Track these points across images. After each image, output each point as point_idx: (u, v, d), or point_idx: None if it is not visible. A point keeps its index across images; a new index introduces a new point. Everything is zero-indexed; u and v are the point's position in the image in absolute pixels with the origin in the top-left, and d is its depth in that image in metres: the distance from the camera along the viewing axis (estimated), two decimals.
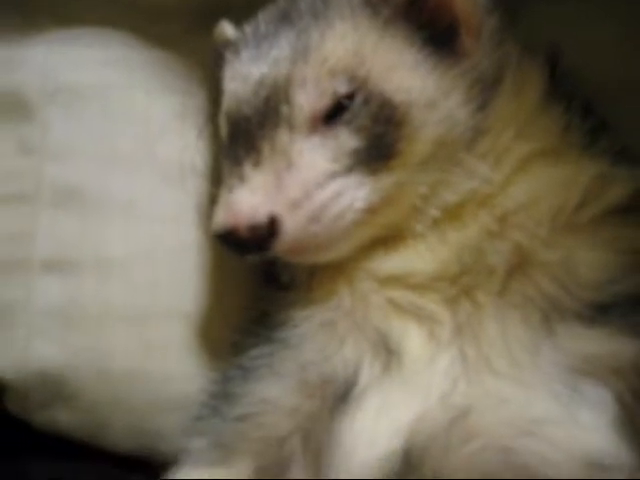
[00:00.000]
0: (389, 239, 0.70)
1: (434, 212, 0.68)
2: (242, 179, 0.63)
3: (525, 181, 0.69)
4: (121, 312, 0.80)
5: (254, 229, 0.61)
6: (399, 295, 0.68)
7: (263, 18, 0.74)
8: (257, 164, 0.63)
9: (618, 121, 0.79)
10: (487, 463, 0.59)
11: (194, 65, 0.87)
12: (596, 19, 0.83)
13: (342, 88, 0.64)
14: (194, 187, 0.82)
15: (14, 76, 0.85)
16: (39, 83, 0.85)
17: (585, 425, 0.61)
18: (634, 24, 0.83)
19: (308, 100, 0.64)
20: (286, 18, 0.71)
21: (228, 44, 0.77)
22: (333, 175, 0.63)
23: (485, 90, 0.70)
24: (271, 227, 0.61)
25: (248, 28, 0.74)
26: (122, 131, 0.85)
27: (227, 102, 0.71)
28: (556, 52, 0.77)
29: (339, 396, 0.65)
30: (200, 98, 0.85)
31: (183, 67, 0.87)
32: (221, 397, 0.69)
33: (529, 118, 0.72)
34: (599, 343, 0.64)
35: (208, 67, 0.83)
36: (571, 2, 0.83)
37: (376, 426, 0.63)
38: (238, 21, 0.79)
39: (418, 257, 0.69)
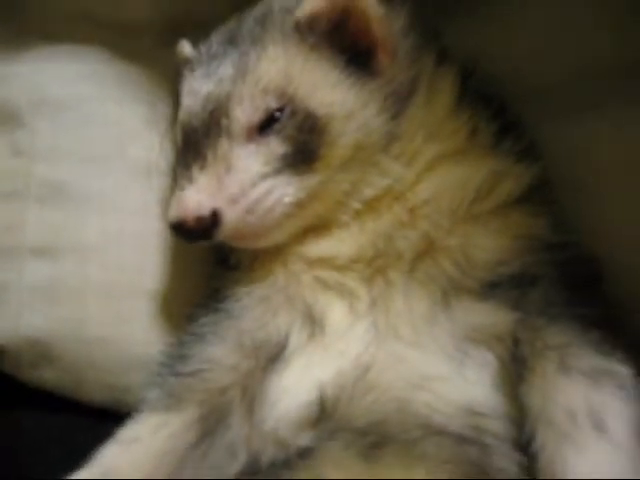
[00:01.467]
0: (317, 227, 0.79)
1: (355, 205, 0.77)
2: (190, 180, 0.73)
3: (432, 179, 0.78)
4: (96, 289, 0.89)
5: (200, 220, 0.71)
6: (325, 274, 0.78)
7: (215, 39, 0.82)
8: (203, 168, 0.73)
9: (529, 121, 0.88)
10: (383, 411, 0.68)
11: (160, 77, 0.95)
12: (514, 30, 0.90)
13: (273, 104, 0.73)
14: (158, 184, 0.90)
15: (6, 89, 0.94)
16: (27, 95, 0.94)
17: (470, 381, 0.70)
18: (548, 34, 0.90)
19: (244, 114, 0.73)
20: (232, 41, 0.79)
21: (186, 61, 0.85)
22: (265, 176, 0.73)
23: (399, 101, 0.78)
24: (214, 219, 0.71)
25: (202, 48, 0.83)
26: (98, 136, 0.93)
27: (181, 114, 0.79)
28: (472, 63, 0.85)
29: (271, 357, 0.75)
30: (165, 107, 0.93)
31: (150, 79, 0.96)
32: (175, 357, 0.78)
33: (439, 123, 0.80)
34: (486, 315, 0.73)
35: (172, 80, 0.91)
36: (493, 17, 0.90)
37: (299, 381, 0.73)
38: (202, 35, 0.86)
39: (341, 243, 0.78)
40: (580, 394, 0.63)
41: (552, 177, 0.85)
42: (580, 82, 0.89)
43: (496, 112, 0.84)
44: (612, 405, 0.62)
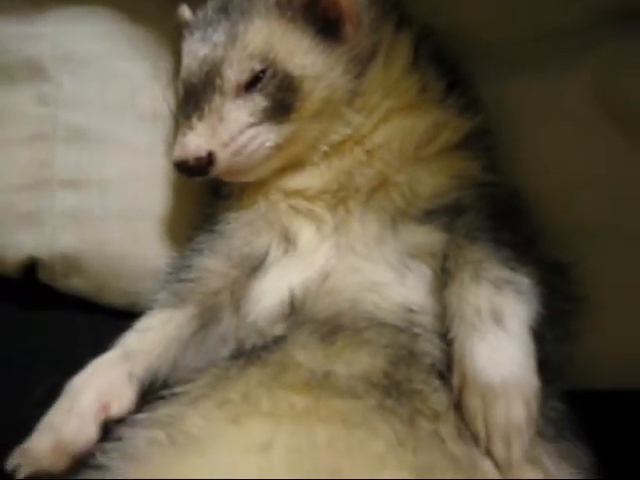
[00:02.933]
0: (293, 166, 0.92)
1: (323, 148, 0.90)
2: (190, 128, 0.85)
3: (386, 128, 0.90)
4: (115, 215, 1.00)
5: (198, 160, 0.84)
6: (298, 203, 0.91)
7: (210, 6, 0.93)
8: (200, 118, 0.85)
9: (476, 79, 0.99)
10: (339, 308, 0.81)
11: (163, 37, 1.04)
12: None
13: (257, 66, 0.85)
14: (162, 127, 1.02)
15: (32, 47, 1.03)
16: (51, 52, 1.03)
17: (408, 287, 0.83)
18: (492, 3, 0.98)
19: (234, 75, 0.85)
20: (224, 10, 0.90)
21: (186, 24, 0.96)
22: (250, 125, 0.85)
23: (362, 63, 0.90)
24: (209, 159, 0.84)
25: (199, 13, 0.94)
26: (111, 87, 1.03)
27: (182, 72, 0.91)
28: (427, 30, 0.96)
29: (254, 267, 0.88)
30: (167, 63, 1.04)
31: (154, 38, 1.05)
32: (179, 267, 0.91)
33: (395, 82, 0.91)
34: (423, 237, 0.86)
35: (173, 39, 1.01)
36: None
37: (275, 285, 0.86)
38: (199, 1, 0.96)
39: (312, 178, 0.91)
40: (485, 297, 0.75)
41: (492, 127, 0.96)
42: (521, 45, 0.98)
43: (446, 72, 0.95)
44: (509, 306, 0.75)
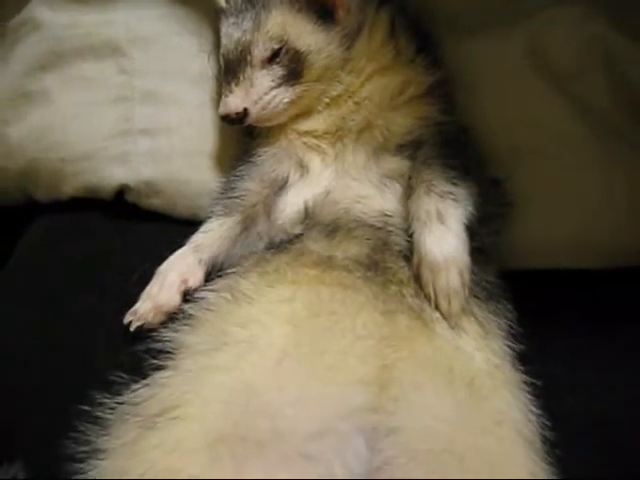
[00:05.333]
0: (304, 114, 1.04)
1: (325, 101, 1.04)
2: (230, 91, 0.99)
3: (369, 85, 1.03)
4: (179, 152, 1.12)
5: (237, 114, 0.99)
6: (309, 140, 1.04)
7: None
8: (237, 84, 0.99)
9: (441, 39, 1.11)
10: (337, 214, 0.95)
11: (205, 17, 1.16)
12: None
13: (275, 46, 0.99)
14: (210, 88, 1.14)
15: (110, 30, 1.15)
16: (124, 34, 1.15)
17: (386, 199, 0.98)
18: None
19: (259, 52, 0.99)
20: (250, 1, 1.02)
21: (222, 10, 1.06)
22: (272, 88, 0.99)
23: (351, 38, 1.03)
24: (244, 112, 0.99)
25: (232, 1, 1.05)
26: (170, 58, 1.16)
27: (222, 50, 1.03)
28: (402, 7, 1.08)
29: (279, 187, 1.02)
30: (209, 37, 1.15)
31: (199, 18, 1.16)
32: (227, 188, 1.04)
33: (376, 50, 1.04)
34: (396, 164, 1.00)
35: (213, 19, 1.13)
36: None
37: (294, 199, 1.00)
38: None
39: (318, 122, 1.05)
40: (433, 204, 0.91)
41: (452, 80, 1.08)
42: (474, 14, 1.12)
43: (416, 39, 1.07)
44: (449, 210, 0.90)
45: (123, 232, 1.11)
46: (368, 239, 0.93)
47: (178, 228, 1.06)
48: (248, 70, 1.00)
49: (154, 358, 0.85)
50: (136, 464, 0.75)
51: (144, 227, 1.12)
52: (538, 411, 0.85)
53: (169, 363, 0.84)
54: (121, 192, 1.11)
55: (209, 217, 1.03)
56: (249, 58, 1.00)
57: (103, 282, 1.03)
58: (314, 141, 1.05)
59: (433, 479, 0.72)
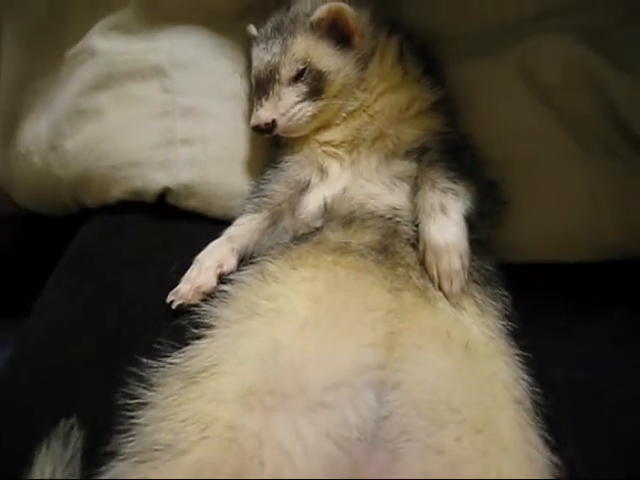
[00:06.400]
0: (324, 126, 1.14)
1: (343, 114, 1.14)
2: (261, 105, 1.10)
3: (381, 100, 1.13)
4: (214, 159, 1.22)
5: (266, 125, 1.09)
6: (328, 149, 1.14)
7: (269, 25, 1.15)
8: (266, 99, 1.10)
9: (444, 62, 1.20)
10: (352, 208, 1.04)
11: (238, 44, 1.27)
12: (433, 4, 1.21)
13: (300, 66, 1.09)
14: (241, 105, 1.25)
15: (155, 57, 1.25)
16: (167, 59, 1.25)
17: (396, 196, 1.07)
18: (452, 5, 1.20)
19: (286, 72, 1.09)
20: (278, 29, 1.13)
21: (253, 37, 1.18)
22: (297, 102, 1.09)
23: (365, 61, 1.13)
24: (273, 124, 1.09)
25: (262, 30, 1.16)
26: (207, 79, 1.25)
27: (253, 71, 1.13)
28: (410, 34, 1.20)
29: (302, 188, 1.12)
30: (241, 62, 1.26)
31: (232, 45, 1.27)
32: (256, 189, 1.14)
33: (386, 71, 1.14)
34: (404, 167, 1.10)
35: (245, 46, 1.24)
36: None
37: (316, 197, 1.09)
38: (261, 20, 1.20)
39: (336, 133, 1.15)
40: (437, 198, 1.00)
41: (454, 96, 1.19)
42: (472, 39, 1.21)
43: (422, 60, 1.17)
44: (451, 203, 0.99)
45: (163, 230, 1.20)
46: (380, 228, 1.02)
47: (212, 227, 1.14)
48: (276, 87, 1.11)
49: (194, 329, 0.94)
50: (180, 412, 0.85)
51: (182, 226, 1.21)
52: (528, 378, 0.93)
53: (208, 332, 0.93)
54: (162, 195, 1.20)
55: (241, 214, 1.12)
56: (277, 77, 1.11)
57: (146, 271, 1.11)
58: (333, 149, 1.15)
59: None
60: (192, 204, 1.22)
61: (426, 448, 0.82)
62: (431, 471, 0.80)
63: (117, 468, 0.84)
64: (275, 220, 1.12)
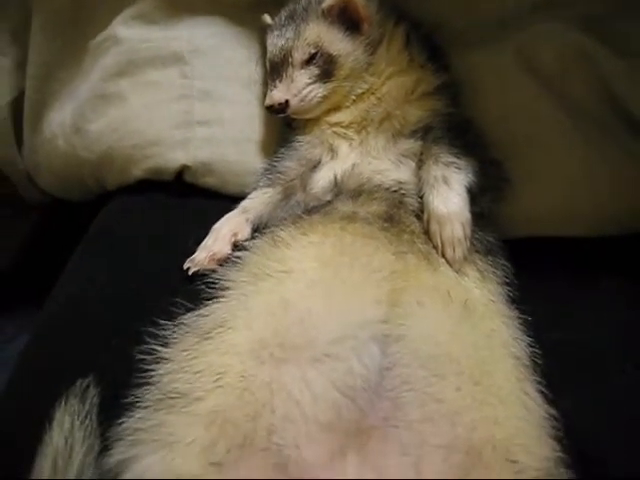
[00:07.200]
0: (334, 108, 1.19)
1: (352, 97, 1.18)
2: (275, 86, 1.15)
3: (389, 83, 1.18)
4: (231, 139, 1.27)
5: (279, 105, 1.14)
6: (338, 129, 1.19)
7: (283, 14, 1.20)
8: (280, 81, 1.15)
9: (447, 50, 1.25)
10: (361, 182, 1.08)
11: (253, 33, 1.32)
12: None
13: (312, 50, 1.14)
14: (256, 90, 1.30)
15: (176, 44, 1.30)
16: (186, 47, 1.30)
17: (401, 171, 1.12)
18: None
19: (299, 56, 1.14)
20: (292, 16, 1.18)
21: (268, 26, 1.23)
22: (309, 84, 1.14)
23: (373, 46, 1.17)
24: (286, 104, 1.14)
25: (276, 19, 1.21)
26: (224, 66, 1.30)
27: (268, 55, 1.18)
28: (416, 23, 1.24)
29: (314, 165, 1.16)
30: (256, 50, 1.31)
31: (249, 34, 1.32)
32: (270, 166, 1.20)
33: (394, 56, 1.19)
34: (410, 145, 1.14)
35: (260, 35, 1.29)
36: None
37: (326, 173, 1.14)
38: (275, 10, 1.24)
39: (346, 114, 1.19)
40: (440, 171, 1.05)
41: (458, 81, 1.23)
42: (474, 29, 1.26)
43: (427, 48, 1.22)
44: (453, 175, 1.05)
45: (181, 207, 1.25)
46: (386, 199, 1.06)
47: (227, 204, 1.18)
48: (289, 70, 1.16)
49: (209, 290, 0.99)
50: (195, 364, 0.90)
51: (199, 202, 1.26)
52: (527, 339, 0.97)
53: (221, 294, 0.97)
54: (180, 173, 1.25)
55: (255, 189, 1.17)
56: (290, 60, 1.16)
57: (165, 244, 1.16)
58: (342, 130, 1.19)
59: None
60: (209, 181, 1.27)
61: (426, 397, 0.86)
62: (431, 419, 0.85)
63: (136, 416, 0.88)
64: (287, 195, 1.16)
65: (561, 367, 0.95)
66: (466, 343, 0.92)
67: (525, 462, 0.83)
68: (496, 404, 0.88)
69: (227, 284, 0.99)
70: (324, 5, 1.16)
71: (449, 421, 0.85)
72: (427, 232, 1.04)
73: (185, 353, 0.92)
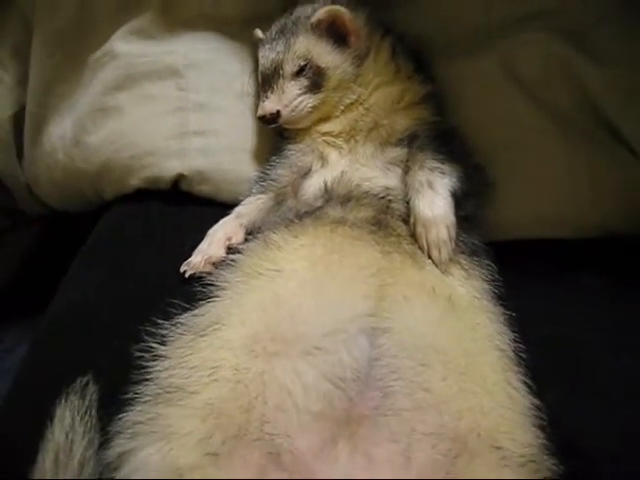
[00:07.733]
0: (324, 118, 1.21)
1: (341, 107, 1.21)
2: (266, 97, 1.17)
3: (376, 94, 1.21)
4: (225, 148, 1.29)
5: (271, 115, 1.17)
6: (328, 138, 1.22)
7: (274, 28, 1.23)
8: (272, 92, 1.17)
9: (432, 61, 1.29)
10: (350, 189, 1.11)
11: (246, 47, 1.34)
12: (423, 12, 1.30)
13: (302, 62, 1.17)
14: (248, 101, 1.32)
15: (170, 58, 1.32)
16: (182, 60, 1.32)
17: (389, 178, 1.14)
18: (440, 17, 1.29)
19: (289, 68, 1.17)
20: (282, 31, 1.21)
21: (259, 40, 1.25)
22: (299, 95, 1.17)
23: (361, 58, 1.20)
24: (277, 114, 1.17)
25: (267, 33, 1.24)
26: (217, 79, 1.32)
27: (260, 68, 1.20)
28: (402, 36, 1.27)
29: (305, 173, 1.19)
30: (249, 63, 1.34)
31: (241, 49, 1.35)
32: (263, 174, 1.22)
33: (380, 68, 1.22)
34: (397, 153, 1.17)
35: (252, 49, 1.31)
36: (411, 7, 1.30)
37: (317, 181, 1.16)
38: (266, 25, 1.27)
39: (335, 124, 1.22)
40: (425, 176, 1.08)
41: (443, 91, 1.27)
42: (458, 42, 1.30)
43: (413, 59, 1.25)
44: (437, 180, 1.07)
45: (177, 214, 1.27)
46: (374, 205, 1.09)
47: (222, 211, 1.19)
48: (280, 81, 1.19)
49: (204, 291, 1.02)
50: (190, 360, 0.93)
51: (195, 210, 1.28)
52: (511, 334, 0.99)
53: (216, 294, 1.00)
54: (176, 182, 1.27)
55: (248, 195, 1.20)
56: (281, 72, 1.19)
57: (162, 249, 1.19)
58: (332, 139, 1.23)
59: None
60: (204, 190, 1.29)
61: (414, 386, 0.88)
62: (419, 407, 0.87)
63: (135, 410, 0.91)
64: (280, 201, 1.18)
65: (546, 361, 0.98)
66: (451, 335, 0.95)
67: (509, 448, 0.85)
68: (482, 394, 0.90)
69: (222, 285, 1.01)
70: (313, 19, 1.19)
71: (436, 410, 0.87)
72: (413, 235, 1.07)
73: (181, 350, 0.95)
